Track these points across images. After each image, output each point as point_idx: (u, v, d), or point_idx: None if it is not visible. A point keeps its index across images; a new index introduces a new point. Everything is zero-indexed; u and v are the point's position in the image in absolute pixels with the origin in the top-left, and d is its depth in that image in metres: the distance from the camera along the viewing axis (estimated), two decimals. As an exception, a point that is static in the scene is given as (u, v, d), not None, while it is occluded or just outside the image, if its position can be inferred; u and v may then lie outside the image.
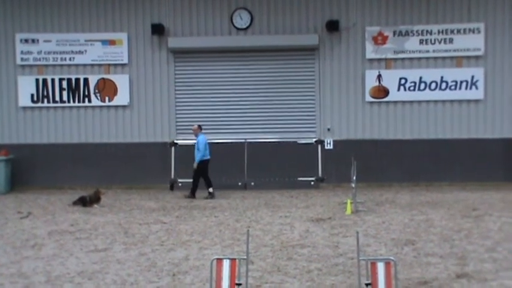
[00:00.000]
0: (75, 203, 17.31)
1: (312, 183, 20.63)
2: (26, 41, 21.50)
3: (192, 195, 18.88)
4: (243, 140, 20.81)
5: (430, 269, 9.49)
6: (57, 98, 21.59)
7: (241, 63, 21.45)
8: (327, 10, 21.06)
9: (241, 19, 21.24)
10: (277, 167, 20.73)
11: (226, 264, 6.99)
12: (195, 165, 18.91)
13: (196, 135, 19.19)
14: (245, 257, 7.43)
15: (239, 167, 20.57)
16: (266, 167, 20.57)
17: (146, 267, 9.93)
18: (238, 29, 21.31)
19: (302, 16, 21.15)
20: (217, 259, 7.10)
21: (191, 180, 19.00)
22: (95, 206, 17.01)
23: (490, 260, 9.98)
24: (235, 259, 7.09)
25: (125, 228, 13.55)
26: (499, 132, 20.75)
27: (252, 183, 20.72)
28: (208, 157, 19.11)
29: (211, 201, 17.95)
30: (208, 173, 19.02)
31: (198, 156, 18.88)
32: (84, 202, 17.18)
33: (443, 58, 20.82)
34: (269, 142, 20.86)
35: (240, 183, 20.66)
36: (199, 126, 19.41)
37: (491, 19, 20.67)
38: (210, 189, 18.89)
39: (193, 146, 19.51)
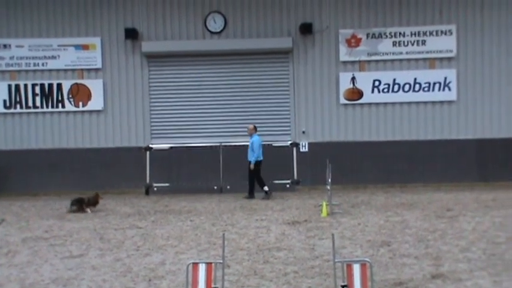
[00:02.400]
0: (73, 204, 16.96)
1: (288, 186, 20.65)
2: (-2, 46, 21.37)
3: (251, 195, 19.07)
4: (218, 144, 20.79)
5: (405, 270, 9.53)
6: (30, 104, 21.44)
7: (215, 67, 21.45)
8: (301, 13, 21.13)
9: (215, 23, 21.24)
10: (252, 170, 20.73)
11: (202, 268, 6.96)
12: (251, 166, 18.93)
13: (251, 136, 19.21)
14: (221, 261, 7.40)
15: (214, 171, 20.55)
16: (242, 170, 20.54)
17: (122, 273, 9.87)
18: (212, 32, 21.31)
19: (276, 19, 21.20)
20: (193, 263, 7.06)
21: (166, 185, 18.91)
22: (91, 209, 16.84)
23: (465, 260, 10.05)
24: (211, 263, 7.06)
25: (100, 234, 13.46)
26: (472, 133, 20.96)
27: (228, 187, 20.69)
28: (262, 158, 19.14)
29: (187, 205, 17.88)
30: (261, 174, 19.21)
31: (253, 157, 18.95)
32: (81, 203, 16.90)
33: (416, 60, 20.99)
34: (244, 145, 20.84)
35: (215, 187, 20.64)
36: (255, 127, 19.46)
37: (463, 21, 20.88)
38: (266, 188, 19.01)
39: (167, 150, 19.48)
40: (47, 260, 11.03)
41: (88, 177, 21.10)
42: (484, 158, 20.86)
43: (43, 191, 20.97)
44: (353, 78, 21.08)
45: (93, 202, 17.07)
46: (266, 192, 18.93)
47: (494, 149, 20.82)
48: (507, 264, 9.71)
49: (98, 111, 21.50)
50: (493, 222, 13.67)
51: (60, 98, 21.45)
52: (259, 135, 19.44)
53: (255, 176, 19.12)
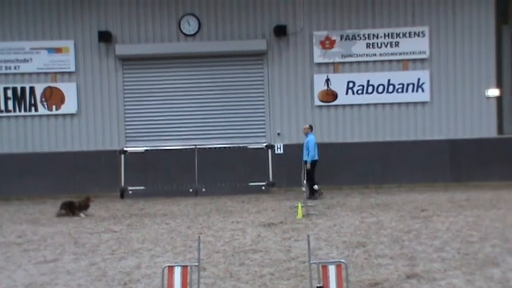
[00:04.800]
0: (62, 207, 16.70)
1: (263, 187, 20.65)
2: (-31, 49, 21.15)
3: (313, 195, 18.62)
4: (193, 146, 20.75)
5: (380, 271, 9.57)
6: (3, 108, 21.25)
7: (189, 70, 21.41)
8: (275, 15, 21.17)
9: (189, 25, 21.21)
10: (228, 173, 20.70)
11: (177, 271, 6.94)
12: (308, 165, 18.58)
13: (306, 135, 19.01)
14: (197, 264, 7.38)
15: (190, 173, 20.50)
16: (217, 172, 20.53)
17: (97, 277, 9.80)
18: (186, 35, 21.28)
19: (250, 21, 21.21)
20: (169, 266, 7.04)
21: (141, 188, 18.81)
22: (81, 214, 16.57)
23: (439, 260, 10.11)
24: (186, 266, 7.04)
25: (74, 238, 13.35)
26: (446, 133, 21.12)
27: (203, 189, 20.65)
28: (317, 158, 18.87)
29: (163, 208, 17.80)
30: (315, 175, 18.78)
31: (309, 156, 18.59)
32: (72, 207, 16.64)
33: (390, 61, 21.12)
34: (219, 148, 20.84)
35: (191, 190, 20.59)
36: (310, 126, 19.26)
37: (435, 22, 21.06)
38: (316, 187, 18.68)
39: (141, 153, 19.43)
40: (20, 265, 10.92)
41: (62, 182, 20.94)
42: (457, 159, 21.03)
43: (16, 195, 20.78)
44: (327, 80, 21.16)
45: (84, 206, 16.86)
46: (316, 190, 18.69)
47: (467, 149, 20.99)
48: (480, 263, 9.79)
49: (72, 114, 21.36)
50: (466, 221, 13.79)
51: (33, 102, 21.27)
52: (314, 134, 19.21)
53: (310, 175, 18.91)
